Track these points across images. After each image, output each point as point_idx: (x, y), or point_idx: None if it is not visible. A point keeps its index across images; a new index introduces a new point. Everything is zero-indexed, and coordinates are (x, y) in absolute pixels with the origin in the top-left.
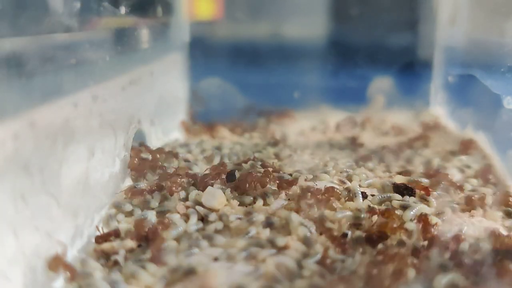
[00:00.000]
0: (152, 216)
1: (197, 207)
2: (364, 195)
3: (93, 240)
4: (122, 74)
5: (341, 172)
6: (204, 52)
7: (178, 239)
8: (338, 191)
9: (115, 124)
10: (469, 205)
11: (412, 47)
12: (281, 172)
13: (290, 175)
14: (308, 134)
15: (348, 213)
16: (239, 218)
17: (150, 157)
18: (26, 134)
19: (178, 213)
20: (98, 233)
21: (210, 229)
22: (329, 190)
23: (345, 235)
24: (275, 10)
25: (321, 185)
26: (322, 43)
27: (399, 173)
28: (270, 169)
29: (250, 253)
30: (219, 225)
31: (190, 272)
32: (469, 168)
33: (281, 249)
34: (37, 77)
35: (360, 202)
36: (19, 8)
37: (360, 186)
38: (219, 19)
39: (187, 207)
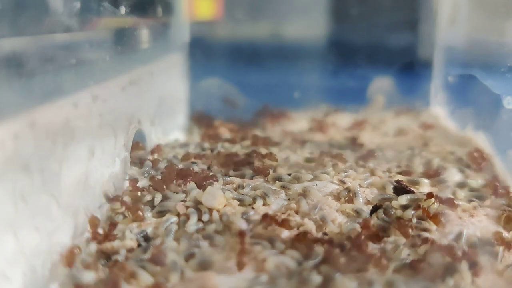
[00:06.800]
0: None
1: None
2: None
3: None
4: (122, 74)
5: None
6: (204, 52)
7: (178, 239)
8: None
9: (115, 124)
10: (469, 204)
11: (412, 47)
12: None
13: (289, 175)
14: (308, 134)
15: (355, 225)
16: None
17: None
18: (26, 134)
19: (178, 213)
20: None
21: (210, 229)
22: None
23: (343, 245)
24: (275, 10)
25: (321, 185)
26: (322, 43)
27: (399, 173)
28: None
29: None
30: (219, 225)
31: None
32: (469, 168)
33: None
34: (37, 77)
35: (360, 202)
36: (19, 8)
37: (360, 186)
38: (219, 19)
39: (187, 207)
